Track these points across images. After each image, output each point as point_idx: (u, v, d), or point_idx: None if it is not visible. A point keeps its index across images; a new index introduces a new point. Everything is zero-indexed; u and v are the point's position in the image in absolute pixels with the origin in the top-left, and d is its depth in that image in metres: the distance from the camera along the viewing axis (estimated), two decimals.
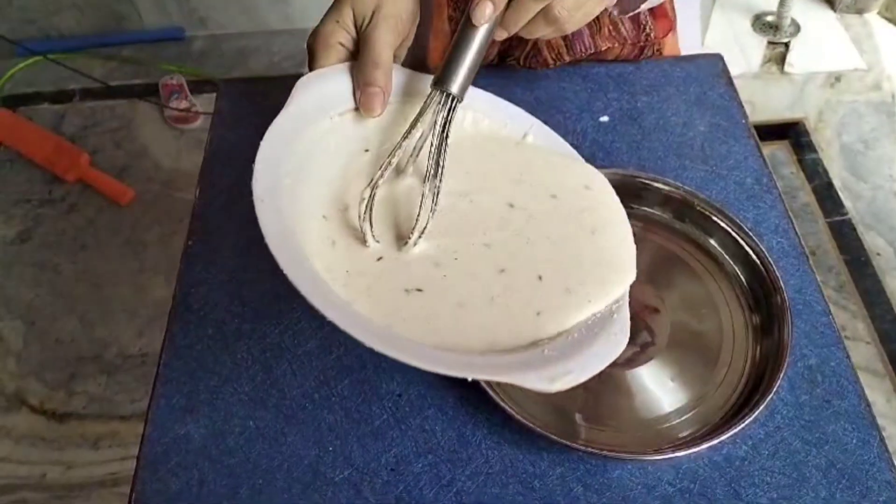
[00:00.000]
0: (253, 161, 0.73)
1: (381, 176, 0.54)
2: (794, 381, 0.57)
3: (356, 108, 0.57)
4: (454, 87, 0.53)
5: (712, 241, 0.65)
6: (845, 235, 1.72)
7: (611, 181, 0.62)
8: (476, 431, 0.56)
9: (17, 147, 1.98)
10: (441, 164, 0.54)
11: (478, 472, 0.54)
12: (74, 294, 1.72)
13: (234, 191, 0.70)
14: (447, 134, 0.54)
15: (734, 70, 0.79)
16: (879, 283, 1.64)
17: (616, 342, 0.50)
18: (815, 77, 2.01)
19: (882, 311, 1.60)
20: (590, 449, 0.52)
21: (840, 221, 1.74)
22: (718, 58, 0.79)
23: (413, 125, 0.55)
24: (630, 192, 0.65)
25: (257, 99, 0.77)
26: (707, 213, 0.65)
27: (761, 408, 0.54)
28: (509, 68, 0.78)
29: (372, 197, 0.53)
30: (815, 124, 1.92)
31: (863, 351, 1.56)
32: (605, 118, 0.74)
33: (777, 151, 1.88)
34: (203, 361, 0.60)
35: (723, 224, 0.64)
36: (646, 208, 0.67)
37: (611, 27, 0.74)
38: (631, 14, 0.72)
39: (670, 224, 0.66)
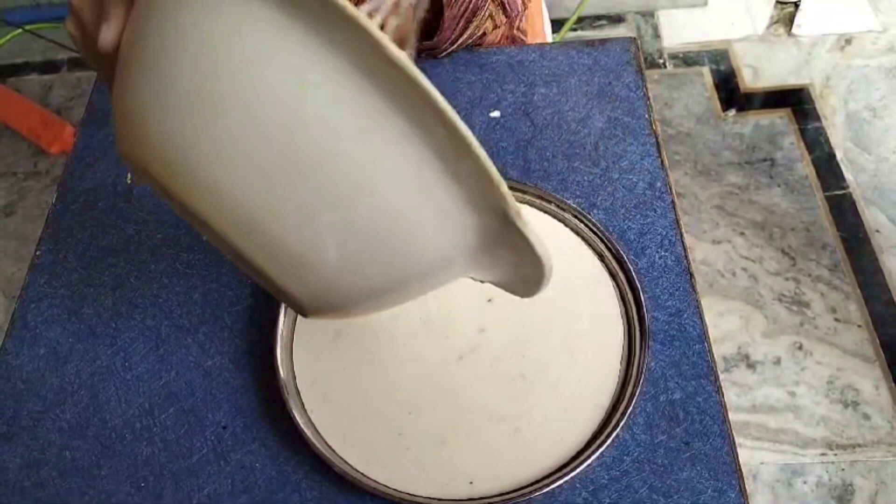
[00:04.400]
0: (118, 162, 0.69)
1: None
2: (653, 419, 0.52)
3: None
4: None
5: (588, 258, 0.59)
6: (844, 211, 1.62)
7: None
8: (298, 469, 0.52)
9: (3, 119, 1.97)
10: None
11: None
12: None
13: (91, 195, 0.66)
14: None
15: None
16: (876, 261, 1.55)
17: None
18: (824, 40, 1.88)
19: (877, 292, 1.51)
20: (407, 497, 0.48)
21: (839, 196, 1.64)
22: (631, 42, 0.72)
23: None
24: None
25: None
26: (584, 226, 0.59)
27: (602, 449, 0.49)
28: None
29: None
30: (821, 91, 1.80)
31: (853, 335, 1.47)
32: (496, 113, 0.68)
33: (777, 120, 1.77)
34: (31, 384, 0.57)
35: (595, 240, 0.58)
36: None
37: None
38: None
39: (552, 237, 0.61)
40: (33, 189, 1.89)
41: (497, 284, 0.41)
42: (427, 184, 0.32)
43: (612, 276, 0.57)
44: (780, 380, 1.42)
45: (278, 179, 0.31)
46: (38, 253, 0.63)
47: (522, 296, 0.42)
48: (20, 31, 1.94)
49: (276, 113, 0.30)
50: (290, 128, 0.30)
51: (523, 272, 0.38)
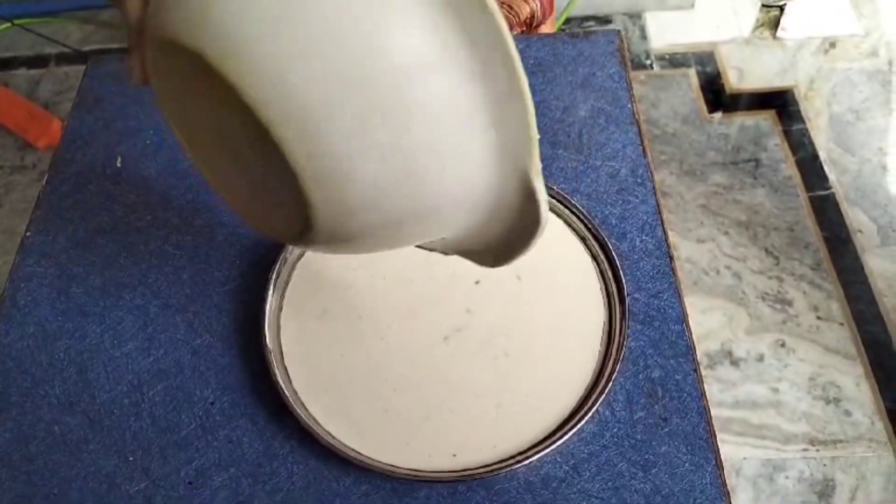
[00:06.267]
0: (108, 146, 0.70)
1: None
2: (633, 396, 0.53)
3: None
4: None
5: (571, 242, 0.60)
6: (827, 211, 1.64)
7: None
8: (284, 444, 0.53)
9: None
10: None
11: (278, 489, 0.51)
12: None
13: (82, 177, 0.67)
14: None
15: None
16: (858, 261, 1.57)
17: None
18: (808, 43, 1.90)
19: (859, 291, 1.53)
20: (390, 469, 0.49)
21: (822, 196, 1.66)
22: (615, 34, 0.73)
23: None
24: None
25: (123, 78, 0.74)
26: (568, 211, 0.60)
27: (582, 424, 0.50)
28: None
29: None
30: (805, 93, 1.82)
31: (835, 332, 1.49)
32: None
33: (762, 121, 1.79)
34: (20, 361, 0.57)
35: (579, 224, 0.59)
36: None
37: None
38: None
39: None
40: (20, 183, 1.88)
41: (471, 251, 0.42)
42: (476, 123, 0.33)
43: (595, 258, 0.59)
44: (763, 376, 1.44)
45: (348, 85, 0.31)
46: (27, 234, 0.64)
47: (488, 265, 0.42)
48: (9, 24, 1.94)
49: (358, 25, 0.30)
50: (370, 41, 0.31)
51: (511, 235, 0.38)
